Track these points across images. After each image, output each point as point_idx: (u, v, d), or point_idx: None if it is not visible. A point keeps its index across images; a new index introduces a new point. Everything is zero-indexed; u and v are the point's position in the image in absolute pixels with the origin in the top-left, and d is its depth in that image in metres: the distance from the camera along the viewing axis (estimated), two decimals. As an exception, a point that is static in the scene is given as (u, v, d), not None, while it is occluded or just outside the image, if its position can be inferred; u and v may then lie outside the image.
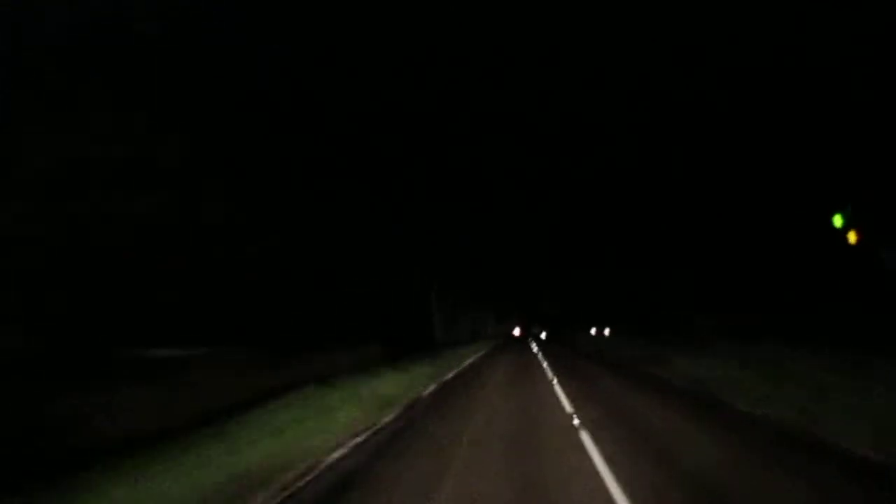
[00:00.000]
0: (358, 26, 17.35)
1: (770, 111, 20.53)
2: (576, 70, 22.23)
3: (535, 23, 18.89)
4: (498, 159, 30.12)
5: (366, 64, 18.53)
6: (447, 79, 21.30)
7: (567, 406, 9.99)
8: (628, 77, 22.26)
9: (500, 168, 31.45)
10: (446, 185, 30.06)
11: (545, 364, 20.75)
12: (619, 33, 19.82)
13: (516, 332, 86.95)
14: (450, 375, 17.14)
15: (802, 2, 17.33)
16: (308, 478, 6.27)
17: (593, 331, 59.01)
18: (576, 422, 8.69)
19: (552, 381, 14.24)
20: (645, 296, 42.05)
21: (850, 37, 17.31)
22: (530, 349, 35.86)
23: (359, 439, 8.15)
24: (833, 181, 18.42)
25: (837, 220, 10.51)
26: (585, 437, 7.62)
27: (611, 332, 51.34)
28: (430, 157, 25.68)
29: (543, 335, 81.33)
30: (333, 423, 9.20)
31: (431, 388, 13.35)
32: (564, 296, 74.52)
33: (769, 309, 23.52)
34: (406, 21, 17.84)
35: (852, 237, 10.35)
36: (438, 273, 36.81)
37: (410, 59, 19.33)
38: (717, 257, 27.16)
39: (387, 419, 9.53)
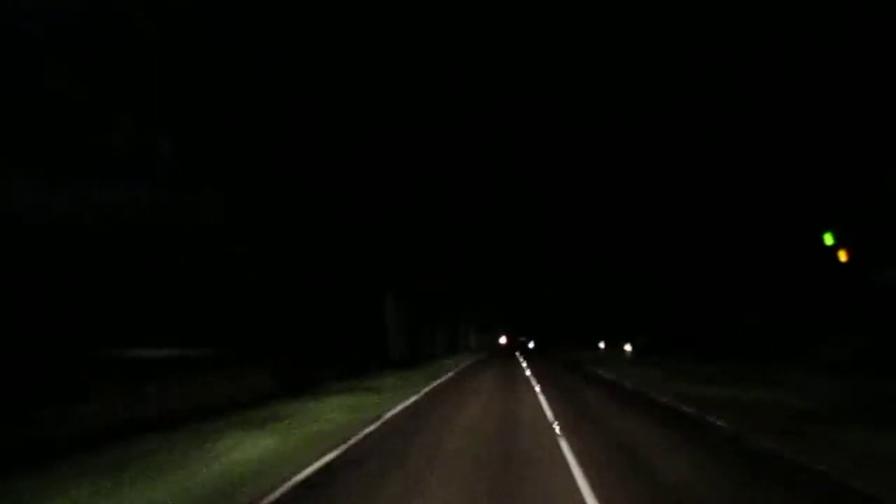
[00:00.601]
0: (358, 27, 17.37)
1: (769, 116, 20.56)
2: (575, 68, 22.20)
3: (531, 20, 18.88)
4: (493, 157, 29.83)
5: (365, 65, 18.55)
6: (445, 77, 21.28)
7: None
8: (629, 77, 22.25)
9: (493, 165, 30.94)
10: (435, 184, 29.06)
11: (556, 426, 9.55)
12: (612, 30, 19.79)
13: (503, 340, 74.96)
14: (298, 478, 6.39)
15: (805, 8, 17.30)
16: None
17: (602, 345, 47.23)
18: None
19: None
20: (669, 302, 35.66)
21: (855, 44, 17.31)
22: (522, 373, 23.39)
23: None
24: (836, 191, 18.47)
25: (828, 238, 10.49)
26: None
27: (634, 350, 37.66)
28: (427, 156, 25.55)
29: (532, 345, 70.81)
30: None
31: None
32: (561, 304, 65.32)
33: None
34: (405, 21, 17.85)
35: (843, 255, 10.32)
36: (401, 276, 30.01)
37: (409, 60, 19.35)
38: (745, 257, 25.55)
39: None
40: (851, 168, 18.73)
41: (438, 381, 19.97)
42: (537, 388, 16.17)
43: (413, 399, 14.18)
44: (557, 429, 9.21)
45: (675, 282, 34.42)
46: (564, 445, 7.91)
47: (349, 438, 8.75)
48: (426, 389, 16.68)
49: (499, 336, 76.16)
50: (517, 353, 53.79)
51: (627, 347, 38.71)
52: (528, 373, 23.30)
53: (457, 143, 25.61)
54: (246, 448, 7.99)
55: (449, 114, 23.30)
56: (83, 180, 11.98)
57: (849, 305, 18.60)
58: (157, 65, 13.66)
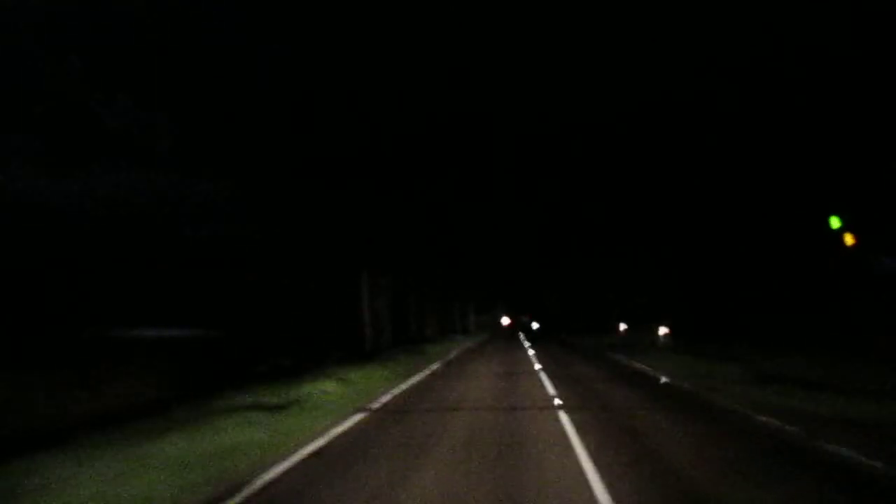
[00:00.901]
0: (358, 27, 17.41)
1: (770, 114, 20.57)
2: (575, 67, 22.20)
3: (530, 20, 18.91)
4: (493, 157, 29.72)
5: (365, 65, 18.60)
6: (444, 76, 21.34)
7: None
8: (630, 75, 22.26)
9: (493, 165, 30.74)
10: (435, 183, 28.67)
11: None
12: (611, 30, 19.80)
13: (505, 320, 68.09)
14: None
15: (805, 8, 17.31)
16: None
17: (623, 327, 41.78)
18: None
19: None
20: (673, 294, 33.94)
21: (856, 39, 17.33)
22: (530, 366, 18.25)
23: None
24: (838, 182, 18.48)
25: (835, 222, 10.49)
26: None
27: (669, 334, 30.37)
28: (425, 147, 25.44)
29: (536, 325, 66.27)
30: None
31: None
32: (565, 291, 62.17)
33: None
34: (405, 21, 17.89)
35: (849, 239, 10.32)
36: (383, 255, 27.00)
37: (409, 60, 19.39)
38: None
39: None
40: (852, 164, 18.77)
41: (408, 384, 14.01)
42: (558, 403, 10.29)
43: (348, 424, 8.45)
44: None
45: (676, 275, 34.28)
46: None
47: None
48: (381, 402, 10.82)
49: (500, 316, 68.97)
50: (521, 336, 49.13)
51: (663, 330, 30.84)
52: (537, 366, 17.72)
53: (457, 142, 25.63)
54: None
55: (449, 113, 23.35)
56: (81, 179, 12.03)
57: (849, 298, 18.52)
58: (157, 64, 13.71)
